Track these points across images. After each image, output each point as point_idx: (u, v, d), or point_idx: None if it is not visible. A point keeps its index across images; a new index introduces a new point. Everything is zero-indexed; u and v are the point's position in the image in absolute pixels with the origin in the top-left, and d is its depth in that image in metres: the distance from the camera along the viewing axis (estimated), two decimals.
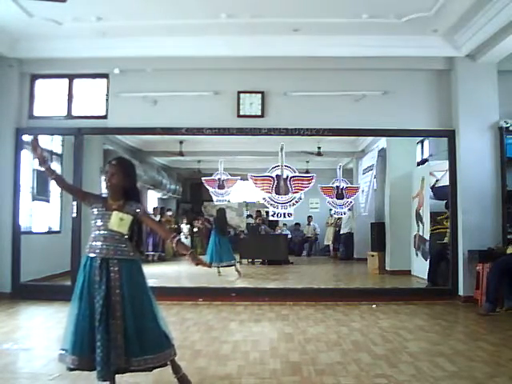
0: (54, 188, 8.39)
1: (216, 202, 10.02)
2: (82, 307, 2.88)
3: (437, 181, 8.33)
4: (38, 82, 6.85)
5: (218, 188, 9.94)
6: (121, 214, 2.97)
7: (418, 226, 8.64)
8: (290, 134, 6.69)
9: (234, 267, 8.94)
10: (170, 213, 13.33)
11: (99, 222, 2.98)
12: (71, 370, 2.93)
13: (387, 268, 9.17)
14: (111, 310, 2.86)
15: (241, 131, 6.72)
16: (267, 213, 9.80)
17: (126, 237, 3.00)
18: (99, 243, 2.95)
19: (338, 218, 12.54)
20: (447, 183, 6.76)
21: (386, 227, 9.48)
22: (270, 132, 6.65)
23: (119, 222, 2.96)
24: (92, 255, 2.94)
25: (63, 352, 2.92)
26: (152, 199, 13.67)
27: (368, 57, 6.35)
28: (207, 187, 9.83)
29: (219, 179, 9.99)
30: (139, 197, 3.18)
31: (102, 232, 2.97)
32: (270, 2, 5.50)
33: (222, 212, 9.62)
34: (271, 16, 5.71)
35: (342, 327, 4.96)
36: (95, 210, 3.02)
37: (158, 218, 12.25)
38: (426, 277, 7.79)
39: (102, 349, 2.79)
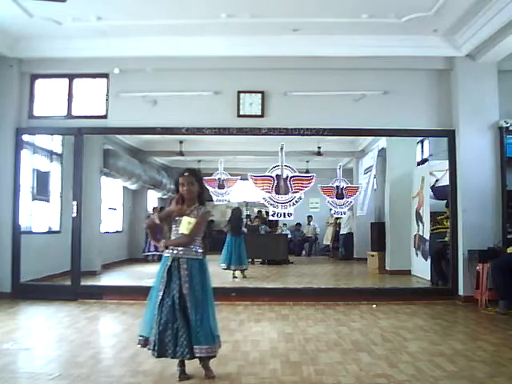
0: (53, 188, 8.39)
1: (216, 201, 10.01)
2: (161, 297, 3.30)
3: (437, 181, 8.32)
4: (38, 82, 6.85)
5: (218, 188, 9.94)
6: (189, 218, 3.35)
7: (418, 225, 8.64)
8: (290, 134, 6.68)
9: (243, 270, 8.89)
10: None
11: (174, 227, 3.42)
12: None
13: (387, 268, 9.17)
14: (183, 300, 3.28)
15: (241, 131, 6.72)
16: (267, 213, 9.79)
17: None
18: None
19: (338, 218, 12.55)
20: (447, 183, 6.76)
21: (386, 227, 9.48)
22: (270, 132, 6.65)
23: (187, 225, 3.33)
24: (166, 255, 3.38)
25: (141, 338, 3.35)
26: (152, 199, 13.67)
27: (368, 57, 6.35)
28: (207, 187, 9.82)
29: (219, 179, 9.98)
30: (207, 196, 3.61)
31: (175, 235, 3.40)
32: (270, 2, 5.50)
33: (237, 212, 9.49)
34: (271, 16, 5.71)
35: (341, 327, 4.96)
36: (177, 218, 3.41)
37: None
38: (425, 276, 7.80)
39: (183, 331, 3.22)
